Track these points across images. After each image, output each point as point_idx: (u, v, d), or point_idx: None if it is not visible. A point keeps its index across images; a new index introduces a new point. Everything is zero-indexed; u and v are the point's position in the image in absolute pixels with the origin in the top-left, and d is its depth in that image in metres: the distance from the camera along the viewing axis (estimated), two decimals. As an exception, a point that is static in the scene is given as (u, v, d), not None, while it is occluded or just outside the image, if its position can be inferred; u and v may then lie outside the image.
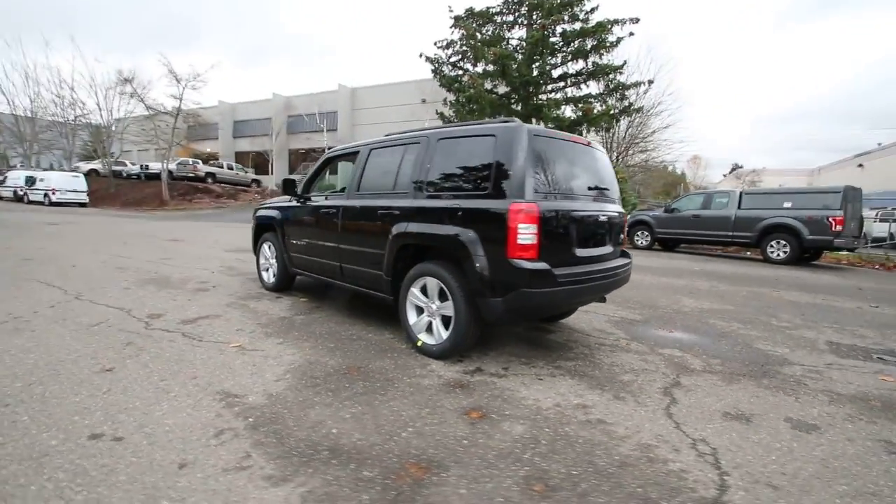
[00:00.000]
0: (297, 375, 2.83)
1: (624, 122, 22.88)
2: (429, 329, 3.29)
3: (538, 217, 2.76)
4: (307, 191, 4.65)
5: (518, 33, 20.64)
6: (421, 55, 20.29)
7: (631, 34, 17.93)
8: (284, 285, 5.08)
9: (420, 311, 3.36)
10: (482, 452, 2.06)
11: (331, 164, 4.61)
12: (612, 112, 17.75)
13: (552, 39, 18.20)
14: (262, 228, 5.40)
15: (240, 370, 2.87)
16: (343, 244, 3.96)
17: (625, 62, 18.53)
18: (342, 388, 2.68)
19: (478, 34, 19.89)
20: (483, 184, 2.98)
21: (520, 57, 18.07)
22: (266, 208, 5.34)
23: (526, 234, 2.74)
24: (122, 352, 3.09)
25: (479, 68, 19.80)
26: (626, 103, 18.52)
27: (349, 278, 3.98)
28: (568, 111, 19.37)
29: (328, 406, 2.44)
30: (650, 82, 18.58)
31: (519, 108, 19.72)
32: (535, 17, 19.47)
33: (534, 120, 19.74)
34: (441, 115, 20.79)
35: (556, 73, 19.05)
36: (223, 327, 3.74)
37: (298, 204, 4.65)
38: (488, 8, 20.03)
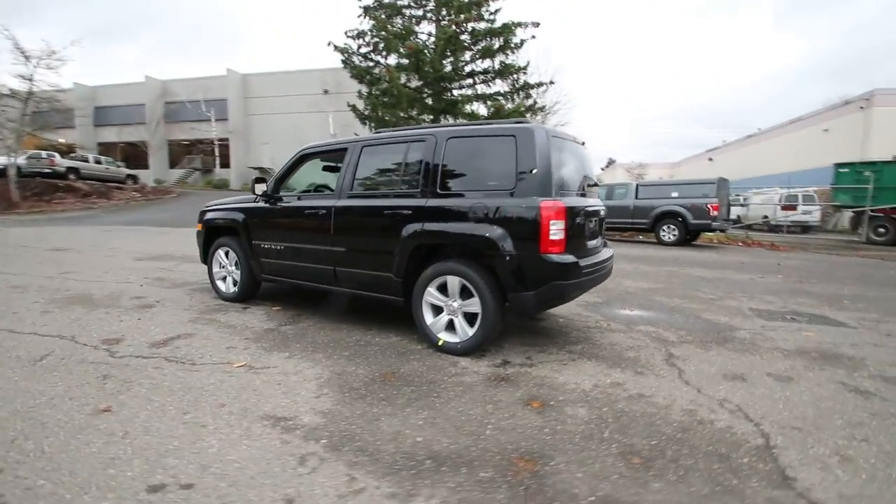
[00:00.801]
0: (335, 389, 2.66)
1: (537, 119, 24.34)
2: (449, 327, 3.30)
3: (565, 213, 2.94)
4: (277, 190, 4.28)
5: (427, 28, 20.76)
6: (329, 44, 19.37)
7: (533, 37, 19.20)
8: (248, 294, 4.63)
9: (437, 310, 3.36)
10: (568, 437, 2.19)
11: (304, 161, 4.29)
12: (520, 110, 18.82)
13: (463, 37, 18.65)
14: (215, 232, 4.83)
15: (267, 391, 2.61)
16: (337, 247, 3.74)
17: (528, 63, 19.75)
18: (392, 395, 2.60)
19: (388, 26, 19.60)
20: (505, 182, 3.06)
21: (433, 52, 18.21)
22: (220, 210, 4.78)
23: (556, 229, 2.91)
24: (103, 388, 2.60)
25: (392, 61, 19.56)
26: (531, 102, 19.75)
27: (345, 282, 3.79)
28: (479, 108, 20.07)
29: (393, 415, 2.36)
30: (551, 83, 20.02)
31: (431, 102, 19.95)
32: (442, 13, 19.79)
33: (447, 117, 20.20)
34: (353, 108, 20.17)
35: (466, 70, 19.58)
36: (207, 347, 3.32)
37: (268, 205, 4.26)
38: (396, 0, 19.83)
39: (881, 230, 14.61)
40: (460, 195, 3.21)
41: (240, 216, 4.48)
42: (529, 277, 2.97)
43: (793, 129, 28.19)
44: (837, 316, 4.81)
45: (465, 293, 3.21)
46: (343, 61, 19.75)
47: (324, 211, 3.80)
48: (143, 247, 9.13)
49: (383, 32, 19.09)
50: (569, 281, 2.97)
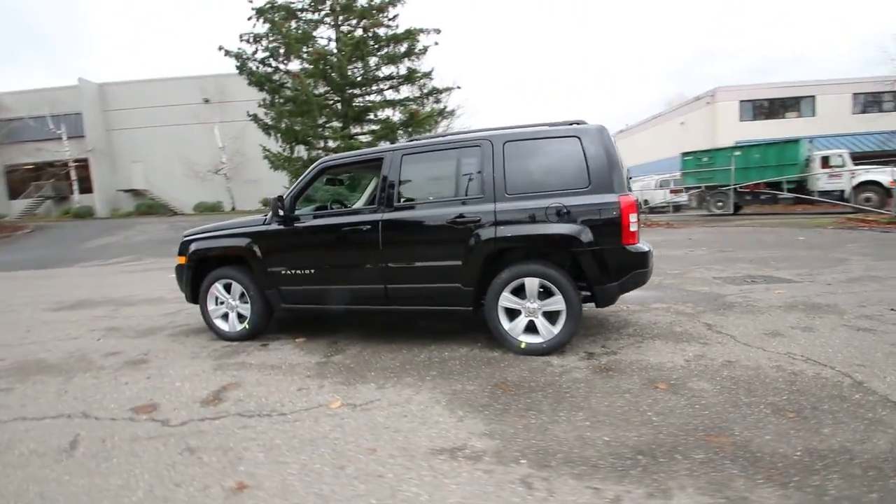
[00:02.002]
0: (467, 408, 2.52)
1: (441, 126, 24.83)
2: (528, 329, 3.31)
3: (636, 206, 3.15)
4: (293, 209, 3.84)
5: (326, 33, 20.05)
6: (221, 48, 17.67)
7: (436, 43, 19.61)
8: (261, 329, 4.08)
9: (511, 314, 3.34)
10: (721, 408, 2.37)
11: (323, 175, 3.92)
12: (434, 114, 19.13)
13: (369, 42, 18.38)
14: (204, 264, 4.17)
15: (403, 426, 2.37)
16: (389, 262, 3.50)
17: (432, 69, 20.16)
18: (529, 403, 2.54)
19: (283, 29, 18.49)
20: (578, 181, 3.17)
21: (341, 57, 17.63)
22: (211, 237, 4.13)
23: (633, 221, 3.10)
24: (206, 463, 2.12)
25: (294, 66, 18.51)
26: (441, 106, 20.19)
27: (399, 300, 3.55)
28: (390, 114, 19.92)
29: (555, 422, 2.32)
30: (458, 87, 20.68)
31: (339, 107, 19.34)
32: (341, 19, 19.28)
33: (360, 125, 19.73)
34: (254, 118, 18.69)
35: (375, 75, 19.33)
36: (273, 393, 2.88)
37: (286, 226, 3.81)
38: (290, 3, 18.81)
39: (720, 204, 18.05)
40: (529, 197, 3.23)
41: (245, 241, 3.92)
42: (614, 269, 3.12)
43: (655, 123, 32.93)
44: (781, 274, 5.82)
45: (543, 293, 3.25)
46: (238, 67, 18.16)
47: (368, 226, 3.53)
48: (42, 295, 7.44)
49: (281, 36, 18.00)
50: (646, 268, 3.19)
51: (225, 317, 4.15)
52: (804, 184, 16.80)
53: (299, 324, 4.56)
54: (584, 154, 3.18)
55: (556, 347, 3.25)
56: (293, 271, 3.79)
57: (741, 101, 26.32)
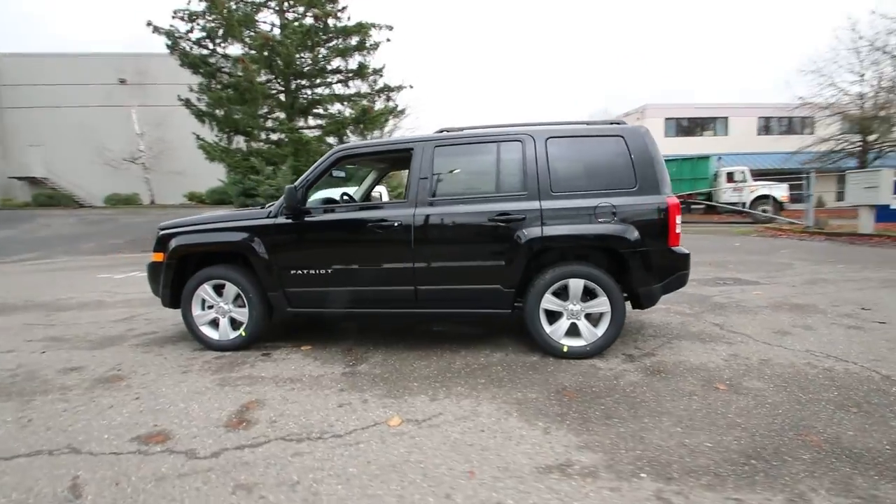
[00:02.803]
0: (543, 419, 2.34)
1: (390, 124, 24.29)
2: (570, 332, 3.20)
3: (680, 208, 3.17)
4: (305, 201, 3.42)
5: (269, 18, 18.81)
6: (149, 24, 15.89)
7: (388, 40, 19.20)
8: (258, 336, 3.58)
9: (553, 316, 3.22)
10: (788, 406, 2.41)
11: (339, 164, 3.52)
12: (387, 112, 18.67)
13: (319, 33, 17.52)
14: (190, 262, 3.60)
15: (483, 442, 2.13)
16: (422, 262, 3.21)
17: (384, 65, 19.71)
18: (608, 411, 2.42)
19: (223, 9, 17.06)
20: (624, 181, 3.12)
21: (289, 44, 16.59)
22: (198, 231, 3.55)
23: (678, 223, 3.11)
24: (273, 501, 1.74)
25: (235, 50, 17.15)
26: (393, 104, 19.76)
27: (430, 302, 3.28)
28: (339, 108, 19.15)
29: (647, 429, 2.21)
30: (411, 86, 20.38)
31: (284, 98, 18.28)
32: (286, 5, 18.21)
33: (306, 118, 18.76)
34: (186, 103, 17.05)
35: (325, 67, 18.47)
36: (311, 412, 2.49)
37: (296, 221, 3.37)
38: (229, -19, 17.39)
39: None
40: (575, 195, 3.13)
41: (245, 237, 3.42)
42: (660, 270, 3.11)
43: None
44: (745, 277, 6.29)
45: (587, 295, 3.17)
46: (169, 46, 16.43)
47: (398, 222, 3.21)
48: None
49: (221, 17, 16.60)
50: (687, 270, 3.22)
51: (214, 323, 3.59)
52: (712, 196, 18.80)
53: (294, 330, 4.09)
54: (630, 154, 3.14)
55: (598, 350, 3.18)
56: (305, 271, 3.36)
57: (666, 118, 28.76)
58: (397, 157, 3.72)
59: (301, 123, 18.87)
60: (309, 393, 2.73)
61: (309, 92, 18.79)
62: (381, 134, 27.00)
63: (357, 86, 19.46)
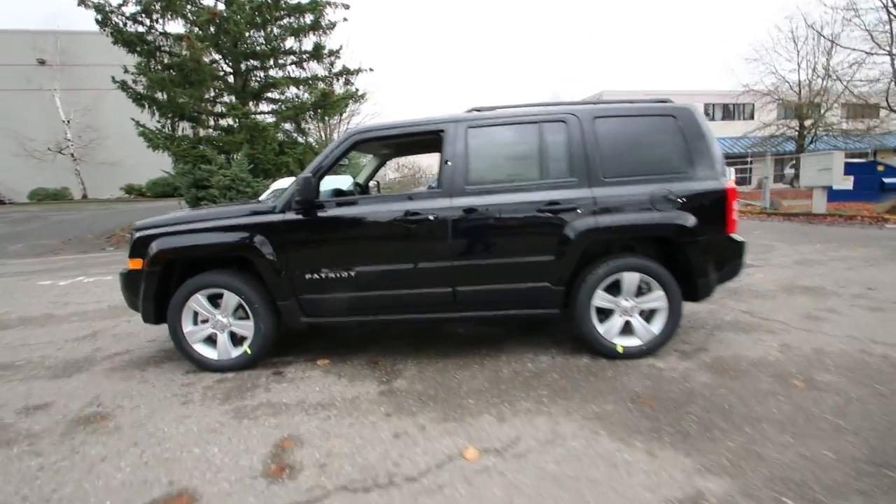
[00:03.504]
0: (639, 437, 2.06)
1: (349, 109, 23.21)
2: (624, 331, 2.95)
3: (736, 193, 2.97)
4: (317, 193, 2.91)
5: (211, -7, 17.27)
6: (76, -5, 14.07)
7: (345, 20, 18.19)
8: (264, 353, 3.07)
9: (603, 313, 2.95)
10: (878, 404, 2.28)
11: (355, 149, 3.03)
12: (349, 96, 17.75)
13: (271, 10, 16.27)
14: (173, 270, 3.02)
15: (588, 473, 1.83)
16: (461, 260, 2.83)
17: (341, 46, 18.69)
18: (702, 422, 2.18)
19: (162, -18, 15.44)
20: (677, 164, 2.87)
21: (238, 22, 15.28)
22: (188, 231, 2.95)
23: (736, 209, 2.91)
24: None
25: (175, 28, 15.62)
26: (354, 89, 18.83)
27: (473, 304, 2.91)
28: (296, 92, 18.00)
29: (756, 442, 1.99)
30: (370, 69, 19.49)
31: (233, 80, 16.97)
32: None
33: (259, 103, 17.53)
34: (122, 85, 15.41)
35: (279, 47, 17.23)
36: (363, 450, 2.07)
37: (308, 217, 2.87)
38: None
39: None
40: (628, 181, 2.85)
41: (246, 236, 2.88)
42: (717, 260, 2.91)
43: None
44: (739, 259, 6.36)
45: (641, 289, 2.92)
46: (99, 21, 14.63)
47: (434, 215, 2.80)
48: None
49: (160, -11, 15.03)
50: (743, 258, 3.04)
51: (210, 340, 3.04)
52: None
53: (301, 340, 3.59)
54: (683, 134, 2.89)
55: (655, 349, 2.95)
56: (323, 275, 2.89)
57: (621, 104, 29.49)
58: (421, 140, 3.28)
59: (254, 108, 17.64)
60: (351, 422, 2.30)
61: (261, 74, 17.48)
62: (340, 120, 26.00)
63: (313, 68, 18.35)
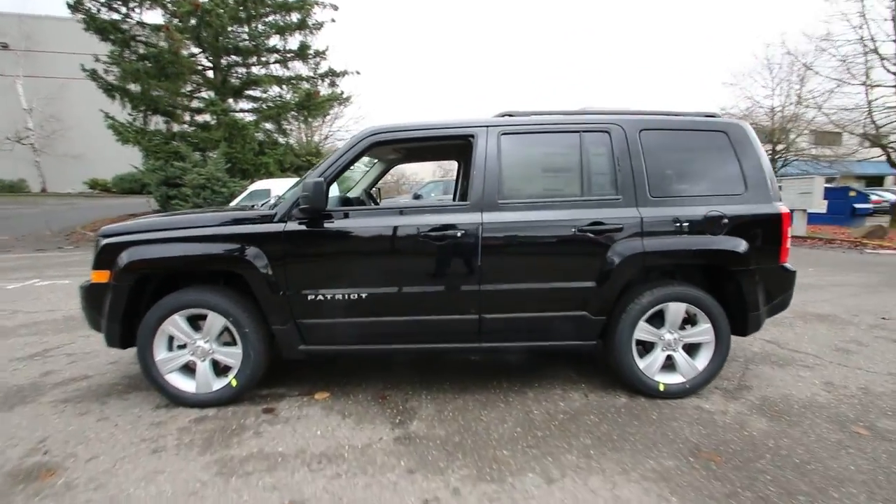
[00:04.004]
0: (720, 500, 1.74)
1: (333, 112, 22.62)
2: (665, 366, 2.65)
3: (791, 218, 2.73)
4: (326, 200, 2.50)
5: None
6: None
7: (332, 20, 17.76)
8: (252, 385, 2.61)
9: (642, 346, 2.65)
10: (967, 461, 2.04)
11: (371, 150, 2.64)
12: (334, 98, 17.24)
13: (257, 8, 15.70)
14: (146, 285, 2.54)
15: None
16: (490, 284, 2.46)
17: (327, 47, 18.22)
18: (777, 483, 1.87)
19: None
20: (729, 185, 2.61)
21: (220, 14, 14.60)
22: (166, 239, 2.48)
23: (789, 236, 2.66)
24: None
25: (153, 17, 14.86)
26: (339, 91, 18.33)
27: (501, 334, 2.55)
28: (279, 91, 17.38)
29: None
30: (357, 72, 19.04)
31: (213, 75, 16.28)
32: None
33: (239, 100, 16.85)
34: (92, 74, 14.52)
35: (263, 44, 16.63)
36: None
37: (318, 228, 2.46)
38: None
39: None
40: (678, 202, 2.56)
41: (238, 248, 2.44)
42: (769, 291, 2.65)
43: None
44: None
45: (687, 321, 2.64)
46: (71, 6, 13.78)
47: (462, 231, 2.44)
48: None
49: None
50: (793, 290, 2.79)
51: (187, 368, 2.57)
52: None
53: (292, 366, 3.14)
54: (736, 153, 2.64)
55: (698, 388, 2.66)
56: (329, 296, 2.47)
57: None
58: (443, 146, 2.93)
59: (234, 105, 16.92)
60: (367, 482, 1.89)
61: (243, 71, 16.86)
62: (323, 122, 25.37)
63: (297, 68, 17.79)
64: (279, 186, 10.32)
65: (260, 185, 11.42)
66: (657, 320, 2.63)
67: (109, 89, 14.70)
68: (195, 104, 16.61)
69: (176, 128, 16.42)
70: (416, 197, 14.56)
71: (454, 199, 4.16)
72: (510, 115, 2.73)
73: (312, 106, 16.48)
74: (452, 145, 2.92)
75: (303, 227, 2.47)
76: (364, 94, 26.65)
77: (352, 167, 2.69)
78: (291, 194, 2.58)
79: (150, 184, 15.15)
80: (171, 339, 2.54)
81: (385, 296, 2.50)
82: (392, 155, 3.53)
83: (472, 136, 2.57)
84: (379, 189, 4.34)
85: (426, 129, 2.62)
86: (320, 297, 2.47)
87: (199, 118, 16.72)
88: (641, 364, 2.62)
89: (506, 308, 2.52)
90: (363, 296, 2.48)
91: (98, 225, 12.86)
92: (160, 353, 2.52)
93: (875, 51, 13.76)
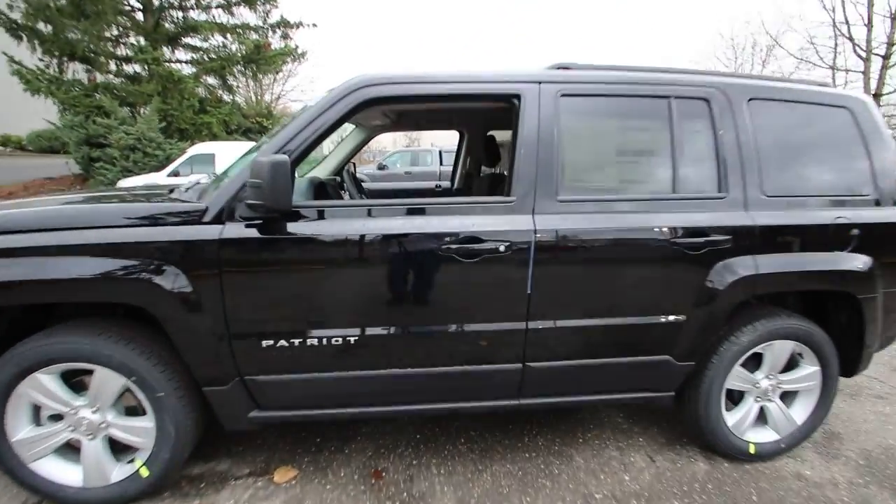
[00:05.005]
0: None
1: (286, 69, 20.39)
2: (757, 421, 2.00)
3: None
4: (291, 192, 1.57)
5: None
6: None
7: (285, -39, 15.70)
8: (171, 474, 1.71)
9: (733, 396, 1.98)
10: None
11: (363, 111, 1.70)
12: (288, 52, 15.39)
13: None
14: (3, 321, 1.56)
15: None
16: (544, 318, 1.67)
17: (280, -8, 16.19)
18: None
19: None
20: (859, 182, 1.91)
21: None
22: (24, 249, 1.48)
23: (917, 250, 2.03)
24: None
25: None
26: (294, 45, 16.40)
27: (547, 388, 1.78)
28: (223, 41, 15.32)
29: None
30: (314, 25, 17.12)
31: (143, 18, 14.08)
32: None
33: (175, 49, 14.71)
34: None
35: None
36: None
37: (282, 234, 1.54)
38: None
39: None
40: (794, 203, 1.84)
41: (133, 267, 1.48)
42: (889, 321, 2.02)
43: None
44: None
45: (789, 364, 1.97)
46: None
47: (505, 243, 1.59)
48: None
49: None
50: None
51: (68, 451, 1.63)
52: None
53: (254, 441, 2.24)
54: (863, 138, 1.93)
55: (794, 446, 2.04)
56: (296, 341, 1.58)
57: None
58: (472, 110, 2.03)
59: (169, 55, 14.75)
60: None
61: (179, 15, 14.61)
62: (275, 80, 23.09)
63: (244, 15, 15.67)
64: (225, 151, 8.91)
65: (201, 148, 9.93)
66: (751, 363, 1.95)
67: (14, 29, 12.29)
68: (123, 52, 14.36)
69: (100, 78, 14.17)
70: (381, 168, 13.43)
71: (452, 186, 3.28)
72: (564, 68, 1.86)
73: (262, 60, 14.62)
74: (461, 110, 2.04)
75: (252, 233, 1.54)
76: (322, 51, 24.35)
77: (329, 136, 1.75)
78: (233, 176, 1.62)
79: (69, 143, 13.01)
80: (35, 408, 1.58)
81: (383, 339, 1.64)
82: (379, 120, 2.56)
83: (518, 96, 1.69)
84: (354, 164, 3.35)
85: (447, 82, 1.71)
86: (283, 342, 1.58)
87: (129, 68, 14.51)
88: (730, 420, 1.95)
89: (561, 353, 1.74)
90: (351, 339, 1.61)
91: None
92: (20, 430, 1.57)
93: (847, 35, 13.72)
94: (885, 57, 12.95)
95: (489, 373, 1.72)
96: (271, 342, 1.57)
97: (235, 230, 1.53)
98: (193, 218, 1.54)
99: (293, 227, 1.56)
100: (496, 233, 1.60)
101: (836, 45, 14.26)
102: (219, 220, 1.53)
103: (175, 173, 8.80)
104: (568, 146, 1.70)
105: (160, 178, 8.73)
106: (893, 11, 12.59)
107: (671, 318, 1.76)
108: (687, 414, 1.97)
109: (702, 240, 1.72)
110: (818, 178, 1.91)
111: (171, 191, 1.92)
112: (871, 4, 12.81)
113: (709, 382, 1.88)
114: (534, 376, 1.75)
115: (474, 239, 1.58)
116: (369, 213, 1.63)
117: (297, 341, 1.58)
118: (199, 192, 1.72)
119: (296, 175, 1.72)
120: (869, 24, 13.05)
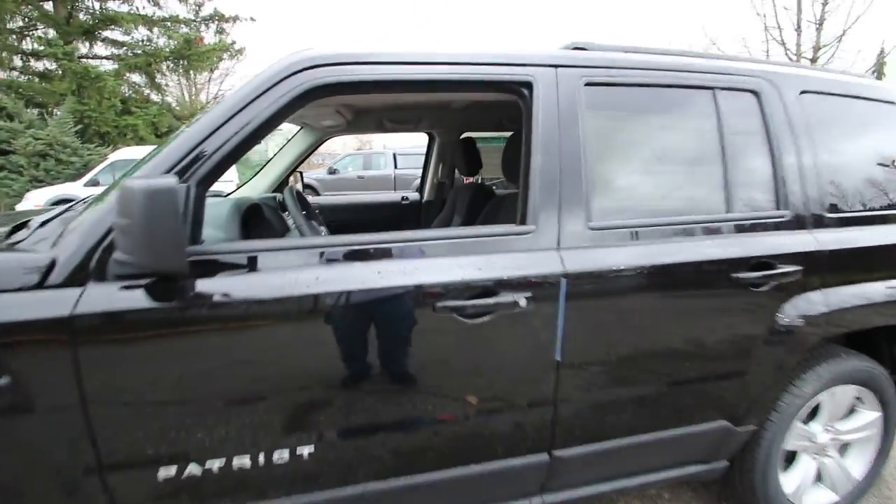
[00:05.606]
0: None
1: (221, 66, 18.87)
2: (815, 481, 1.65)
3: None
4: (200, 223, 1.01)
5: None
6: None
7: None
8: None
9: (789, 456, 1.62)
10: None
11: (307, 101, 1.14)
12: (222, 47, 14.21)
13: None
14: None
15: None
16: (577, 394, 1.20)
17: (212, -17, 15.01)
18: None
19: None
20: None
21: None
22: None
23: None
24: None
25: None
26: (229, 40, 15.21)
27: (577, 475, 1.33)
28: (148, 35, 13.93)
29: None
30: (252, 19, 15.97)
31: (53, 9, 12.53)
32: None
33: (93, 44, 13.21)
34: None
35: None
36: None
37: (172, 301, 0.96)
38: None
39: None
40: (864, 219, 1.50)
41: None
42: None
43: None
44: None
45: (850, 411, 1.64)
46: None
47: (526, 294, 1.10)
48: None
49: None
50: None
51: None
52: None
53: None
54: (921, 137, 1.63)
55: (853, 506, 1.71)
56: (215, 464, 1.02)
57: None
58: (447, 108, 1.53)
59: (85, 50, 13.19)
60: None
61: (96, 5, 13.09)
62: (210, 79, 21.47)
63: (172, 7, 14.31)
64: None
65: (125, 153, 8.88)
66: (807, 414, 1.60)
67: None
68: (29, 45, 12.69)
69: (2, 75, 12.43)
70: (332, 172, 12.64)
71: (422, 198, 2.77)
72: (578, 49, 1.42)
73: (193, 56, 13.36)
74: (435, 106, 1.54)
75: (133, 301, 0.96)
76: (263, 48, 22.91)
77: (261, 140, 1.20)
78: (101, 207, 1.04)
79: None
80: None
81: (350, 447, 1.11)
82: (331, 120, 1.98)
83: (528, 83, 1.22)
84: (301, 174, 2.72)
85: (429, 63, 1.20)
86: (192, 469, 1.01)
87: (38, 65, 12.84)
88: (788, 486, 1.58)
89: (597, 433, 1.29)
90: (304, 453, 1.07)
91: None
92: None
93: (779, 39, 14.47)
94: (813, 60, 13.79)
95: (509, 471, 1.23)
96: (166, 468, 0.99)
97: (102, 297, 0.94)
98: (37, 278, 0.94)
99: (206, 286, 1.00)
100: (513, 280, 1.11)
101: (767, 49, 15.06)
102: (73, 280, 0.94)
103: (94, 182, 7.83)
104: (597, 153, 1.25)
105: (77, 188, 7.69)
106: (818, 18, 13.49)
107: (731, 368, 1.36)
108: (739, 484, 1.59)
109: (767, 273, 1.32)
110: (880, 189, 1.58)
111: (14, 229, 1.26)
112: (799, 10, 13.60)
113: (767, 445, 1.50)
114: (563, 467, 1.28)
115: (486, 290, 1.09)
116: (323, 257, 1.09)
117: (204, 464, 1.01)
118: (59, 232, 1.10)
119: (211, 199, 1.17)
120: (798, 30, 13.84)
